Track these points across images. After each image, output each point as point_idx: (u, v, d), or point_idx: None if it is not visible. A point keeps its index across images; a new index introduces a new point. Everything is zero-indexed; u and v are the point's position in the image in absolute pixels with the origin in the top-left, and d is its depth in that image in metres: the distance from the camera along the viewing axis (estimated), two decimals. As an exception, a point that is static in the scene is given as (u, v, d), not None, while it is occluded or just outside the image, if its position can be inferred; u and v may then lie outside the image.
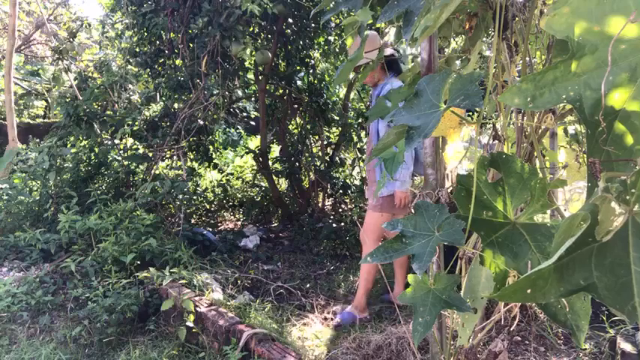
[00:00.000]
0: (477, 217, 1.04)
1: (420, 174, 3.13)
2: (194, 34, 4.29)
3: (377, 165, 3.06)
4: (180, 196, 4.28)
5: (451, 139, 1.41)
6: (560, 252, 0.62)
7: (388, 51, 3.16)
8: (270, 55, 4.41)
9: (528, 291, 0.65)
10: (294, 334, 2.88)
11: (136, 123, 4.67)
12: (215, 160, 5.43)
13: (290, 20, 4.59)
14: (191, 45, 4.33)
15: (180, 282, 3.20)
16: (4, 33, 8.83)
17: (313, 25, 4.62)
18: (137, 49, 4.65)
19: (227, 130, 5.63)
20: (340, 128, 5.29)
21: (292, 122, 5.61)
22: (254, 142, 6.60)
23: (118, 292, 3.02)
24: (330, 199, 5.53)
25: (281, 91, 5.24)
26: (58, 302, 3.20)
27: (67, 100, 4.66)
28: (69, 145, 4.69)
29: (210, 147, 5.25)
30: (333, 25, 4.78)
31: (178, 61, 4.61)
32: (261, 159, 5.12)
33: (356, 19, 1.59)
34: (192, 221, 4.98)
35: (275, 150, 5.88)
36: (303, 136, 5.36)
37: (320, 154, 5.31)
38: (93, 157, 4.80)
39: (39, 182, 4.54)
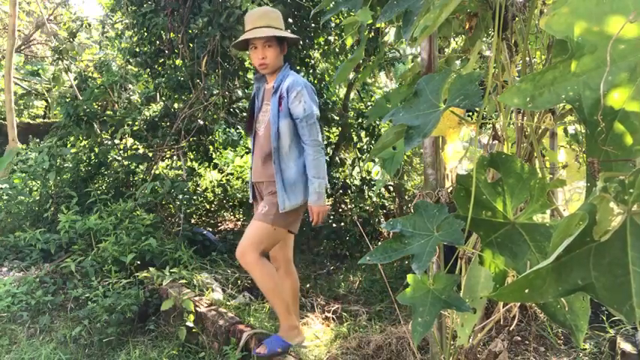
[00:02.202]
0: (477, 217, 1.04)
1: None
2: (194, 34, 4.29)
3: (277, 172, 2.42)
4: (180, 196, 4.28)
5: (450, 139, 1.41)
6: (558, 252, 0.62)
7: (286, 32, 2.50)
8: (270, 55, 4.40)
9: (526, 291, 0.65)
10: (294, 334, 2.88)
11: (136, 123, 4.67)
12: (215, 160, 5.42)
13: (290, 20, 4.58)
14: (191, 45, 4.33)
15: (180, 282, 3.20)
16: (4, 33, 8.83)
17: (313, 25, 4.62)
18: (137, 49, 4.65)
19: (227, 130, 5.63)
20: (340, 128, 5.29)
21: (292, 122, 5.60)
22: (254, 142, 6.60)
23: (118, 292, 3.02)
24: (330, 199, 5.53)
25: (281, 91, 5.24)
26: (58, 302, 3.21)
27: (67, 100, 4.67)
28: (69, 145, 4.69)
29: (210, 147, 5.25)
30: (333, 25, 4.78)
31: (178, 61, 4.61)
32: (261, 159, 5.12)
33: (356, 19, 1.59)
34: (192, 221, 4.98)
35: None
36: (303, 136, 5.35)
37: (320, 154, 5.31)
38: (93, 157, 4.81)
39: (39, 182, 4.54)
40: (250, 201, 2.74)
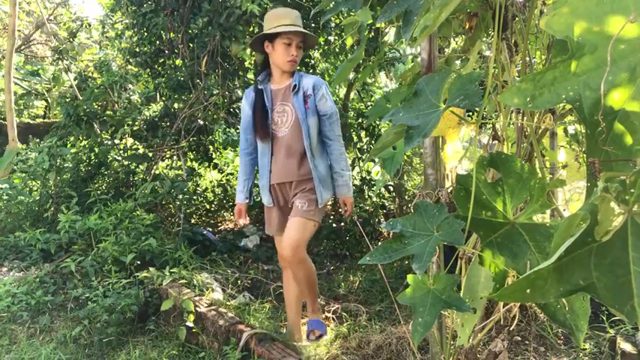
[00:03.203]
0: (476, 217, 1.04)
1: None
2: (194, 34, 4.29)
3: (313, 169, 2.48)
4: (180, 196, 4.28)
5: (450, 139, 1.41)
6: (560, 252, 0.62)
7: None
8: (270, 55, 4.41)
9: (528, 291, 0.65)
10: (294, 334, 2.88)
11: (136, 123, 4.67)
12: (215, 160, 5.42)
13: (290, 20, 4.58)
14: (191, 45, 4.33)
15: (180, 282, 3.20)
16: (4, 33, 8.83)
17: (313, 25, 4.62)
18: (137, 49, 4.65)
19: (227, 130, 5.63)
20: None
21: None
22: (254, 142, 6.60)
23: (118, 292, 3.02)
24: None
25: (281, 91, 5.24)
26: (58, 302, 3.20)
27: (67, 100, 4.67)
28: (69, 145, 4.69)
29: (210, 147, 5.25)
30: (333, 25, 4.78)
31: (178, 61, 4.61)
32: (261, 159, 5.12)
33: (356, 19, 1.59)
34: (192, 221, 4.97)
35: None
36: (303, 136, 5.35)
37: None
38: (93, 157, 4.81)
39: (39, 182, 4.54)
40: (266, 204, 2.65)
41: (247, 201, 2.74)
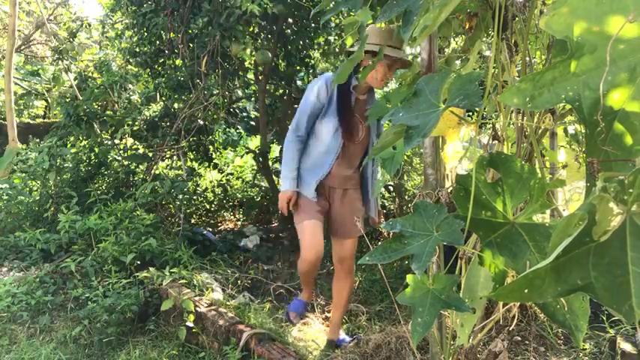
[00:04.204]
0: (476, 217, 1.04)
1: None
2: (194, 34, 4.29)
3: (367, 182, 2.75)
4: (180, 196, 4.28)
5: (450, 139, 1.41)
6: (557, 252, 0.62)
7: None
8: (270, 55, 4.41)
9: (525, 291, 0.65)
10: (294, 334, 2.88)
11: (136, 123, 4.67)
12: (215, 160, 5.42)
13: (290, 20, 4.58)
14: (191, 45, 4.33)
15: (180, 282, 3.20)
16: (4, 33, 8.83)
17: (313, 25, 4.62)
18: (137, 49, 4.65)
19: (227, 130, 5.63)
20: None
21: (292, 122, 5.60)
22: (254, 142, 6.60)
23: (118, 292, 3.02)
24: (330, 199, 5.51)
25: (281, 91, 5.25)
26: (58, 302, 3.21)
27: (67, 100, 4.67)
28: (69, 145, 4.69)
29: (210, 147, 5.25)
30: (333, 25, 4.78)
31: (178, 61, 4.61)
32: (261, 159, 5.12)
33: (356, 19, 1.59)
34: (192, 221, 4.98)
35: (275, 150, 5.88)
36: (303, 136, 5.35)
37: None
38: (93, 157, 4.81)
39: (39, 182, 4.54)
40: (310, 197, 2.60)
41: (297, 189, 2.63)
